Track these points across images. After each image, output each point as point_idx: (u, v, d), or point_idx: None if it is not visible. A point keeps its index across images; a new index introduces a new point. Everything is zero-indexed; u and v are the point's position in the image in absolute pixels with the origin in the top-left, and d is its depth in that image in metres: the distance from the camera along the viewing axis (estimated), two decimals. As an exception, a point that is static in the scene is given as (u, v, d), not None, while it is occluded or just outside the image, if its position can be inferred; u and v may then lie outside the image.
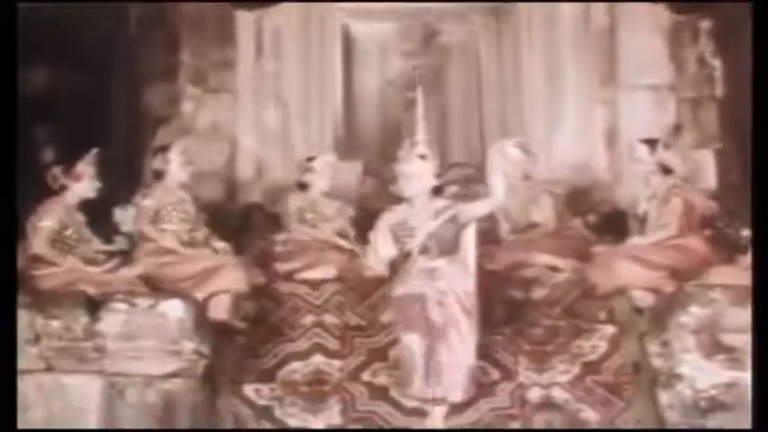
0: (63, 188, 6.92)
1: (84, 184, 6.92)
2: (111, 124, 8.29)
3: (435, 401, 6.16)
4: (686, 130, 8.29)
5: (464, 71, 8.81)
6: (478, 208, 6.35)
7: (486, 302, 6.40)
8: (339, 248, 7.45)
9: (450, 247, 6.22)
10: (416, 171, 6.29)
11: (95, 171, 6.97)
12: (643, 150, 7.20)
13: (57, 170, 6.92)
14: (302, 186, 7.74)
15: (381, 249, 6.34)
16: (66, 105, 8.39)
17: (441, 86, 8.68)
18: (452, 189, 6.56)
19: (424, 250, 6.21)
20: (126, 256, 7.00)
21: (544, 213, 7.51)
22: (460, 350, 6.11)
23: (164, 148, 7.36)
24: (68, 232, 6.84)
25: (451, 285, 6.15)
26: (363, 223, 7.36)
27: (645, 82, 8.38)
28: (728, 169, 7.92)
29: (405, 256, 6.23)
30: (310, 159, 7.76)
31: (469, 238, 6.28)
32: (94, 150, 6.98)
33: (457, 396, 6.15)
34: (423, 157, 6.32)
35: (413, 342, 6.14)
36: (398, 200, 6.39)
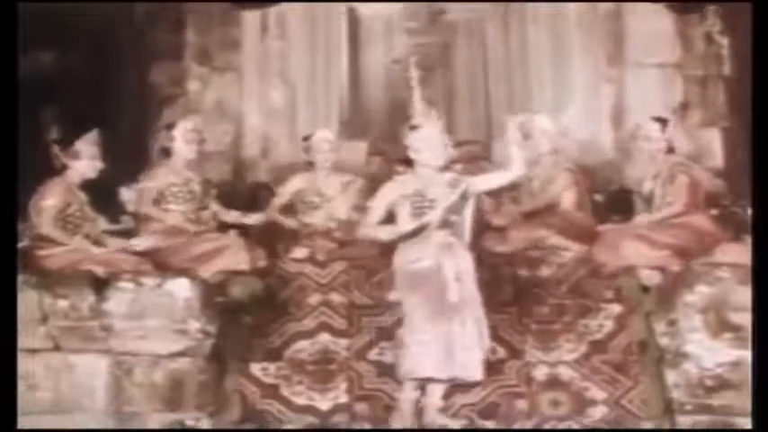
0: (64, 167, 6.92)
1: (83, 162, 6.91)
2: (117, 104, 8.28)
3: (451, 381, 6.00)
4: (693, 108, 8.26)
5: (470, 49, 8.77)
6: (492, 180, 6.27)
7: (493, 282, 6.40)
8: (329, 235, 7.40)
9: (456, 222, 6.11)
10: (433, 141, 6.19)
11: (97, 151, 6.96)
12: (654, 129, 7.18)
13: (56, 149, 6.92)
14: (309, 165, 7.71)
15: (401, 222, 6.10)
16: (71, 85, 8.38)
17: (447, 65, 8.64)
18: (458, 167, 6.53)
19: (444, 224, 6.05)
20: (132, 235, 7.01)
21: (563, 191, 7.39)
22: (476, 329, 5.96)
23: (170, 126, 7.36)
24: (71, 210, 6.84)
25: (464, 261, 6.03)
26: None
27: (652, 60, 8.35)
28: (735, 148, 7.89)
29: (418, 229, 6.07)
30: (307, 138, 7.72)
31: (469, 213, 6.19)
32: (94, 130, 6.97)
33: (474, 375, 5.99)
34: (437, 128, 6.24)
35: (424, 321, 5.93)
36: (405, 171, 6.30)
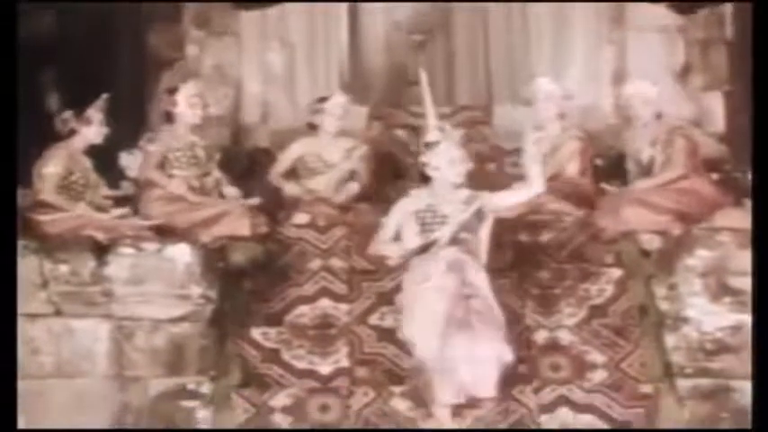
0: (72, 133, 6.92)
1: (93, 128, 6.94)
2: (116, 68, 8.24)
3: (465, 404, 5.82)
4: (695, 72, 8.23)
5: (470, 13, 8.72)
6: (511, 198, 6.09)
7: (493, 246, 6.39)
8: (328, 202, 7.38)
9: (469, 240, 5.96)
10: (451, 157, 5.99)
11: (103, 117, 6.97)
12: (650, 93, 7.16)
13: (68, 114, 6.92)
14: (312, 128, 7.68)
15: (406, 239, 5.97)
16: (69, 50, 8.34)
17: (447, 29, 8.60)
18: (459, 132, 6.50)
19: (455, 241, 5.91)
20: (133, 202, 7.01)
21: (569, 161, 7.33)
22: (489, 345, 5.76)
23: (172, 90, 7.34)
24: (74, 177, 6.85)
25: (475, 278, 5.88)
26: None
27: (654, 23, 8.30)
28: (737, 112, 7.87)
29: (428, 246, 5.92)
30: (322, 100, 7.69)
31: (486, 233, 6.03)
32: (104, 96, 6.96)
33: (487, 392, 5.79)
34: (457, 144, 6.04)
35: (432, 343, 5.74)
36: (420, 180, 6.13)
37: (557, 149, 7.33)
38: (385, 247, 6.11)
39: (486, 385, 5.77)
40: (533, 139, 6.04)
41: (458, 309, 5.77)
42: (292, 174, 7.57)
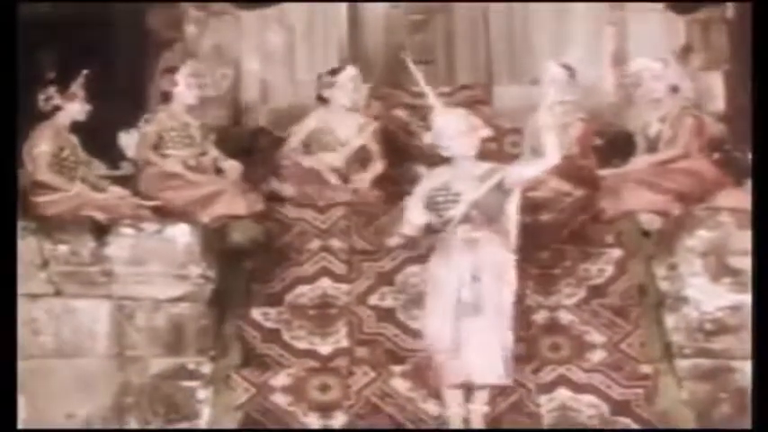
0: (56, 109, 6.89)
1: (76, 105, 6.90)
2: (115, 49, 8.23)
3: (467, 386, 5.68)
4: (695, 51, 8.20)
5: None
6: (528, 170, 5.92)
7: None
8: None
9: (493, 216, 5.74)
10: (465, 127, 5.80)
11: (90, 94, 6.94)
12: (657, 70, 7.14)
13: (52, 90, 6.88)
14: (322, 101, 7.64)
15: (411, 218, 5.80)
16: (68, 30, 8.31)
17: (447, 8, 8.56)
18: (460, 111, 6.46)
19: (467, 219, 5.69)
20: (132, 181, 7.01)
21: (572, 142, 7.25)
22: (495, 330, 5.63)
23: (171, 70, 7.32)
24: (65, 154, 6.83)
25: (492, 259, 5.69)
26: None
27: (654, 3, 8.27)
28: (737, 91, 7.86)
29: (443, 224, 5.72)
30: (333, 73, 7.65)
31: (513, 208, 5.82)
32: (84, 72, 6.92)
33: (496, 378, 5.66)
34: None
35: (441, 326, 5.63)
36: (438, 160, 5.94)
37: (560, 131, 7.29)
38: (404, 225, 5.90)
39: (492, 372, 5.64)
40: (548, 110, 5.96)
41: (466, 292, 5.64)
42: (307, 148, 7.53)
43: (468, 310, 5.62)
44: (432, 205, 5.75)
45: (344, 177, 7.39)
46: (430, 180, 5.88)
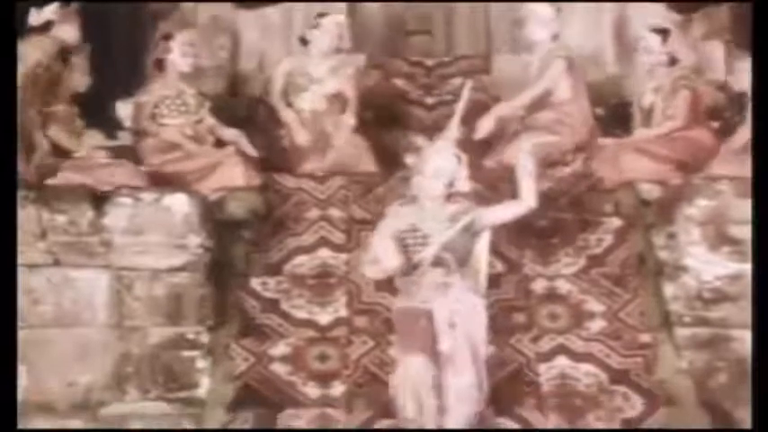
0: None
1: (76, 75, 6.87)
2: (112, 18, 8.17)
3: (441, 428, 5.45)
4: (696, 20, 8.17)
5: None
6: (501, 213, 5.70)
7: (491, 195, 6.38)
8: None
9: (461, 260, 5.54)
10: (440, 168, 5.58)
11: (90, 65, 6.92)
12: (654, 40, 7.12)
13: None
14: (304, 42, 7.55)
15: (384, 260, 5.53)
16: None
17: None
18: (458, 81, 6.45)
19: (438, 262, 5.49)
20: (131, 152, 6.99)
21: (558, 79, 7.18)
22: (468, 376, 5.45)
23: (167, 36, 7.28)
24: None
25: (463, 305, 5.49)
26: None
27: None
28: (737, 61, 7.83)
29: (412, 267, 5.52)
30: (321, 15, 7.57)
31: (483, 251, 5.65)
32: (87, 45, 6.90)
33: (467, 423, 5.45)
34: (456, 156, 5.65)
35: (419, 366, 5.40)
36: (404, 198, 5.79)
37: (546, 68, 7.25)
38: (366, 267, 5.78)
39: (462, 421, 5.44)
40: (527, 153, 5.72)
41: (446, 341, 5.42)
42: (284, 93, 7.42)
43: (447, 361, 5.43)
44: (401, 248, 5.53)
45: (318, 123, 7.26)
46: (396, 220, 5.63)
